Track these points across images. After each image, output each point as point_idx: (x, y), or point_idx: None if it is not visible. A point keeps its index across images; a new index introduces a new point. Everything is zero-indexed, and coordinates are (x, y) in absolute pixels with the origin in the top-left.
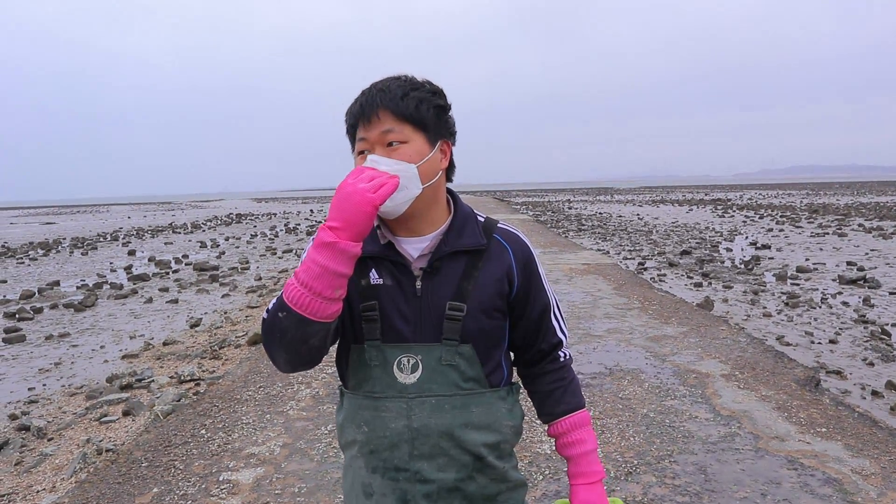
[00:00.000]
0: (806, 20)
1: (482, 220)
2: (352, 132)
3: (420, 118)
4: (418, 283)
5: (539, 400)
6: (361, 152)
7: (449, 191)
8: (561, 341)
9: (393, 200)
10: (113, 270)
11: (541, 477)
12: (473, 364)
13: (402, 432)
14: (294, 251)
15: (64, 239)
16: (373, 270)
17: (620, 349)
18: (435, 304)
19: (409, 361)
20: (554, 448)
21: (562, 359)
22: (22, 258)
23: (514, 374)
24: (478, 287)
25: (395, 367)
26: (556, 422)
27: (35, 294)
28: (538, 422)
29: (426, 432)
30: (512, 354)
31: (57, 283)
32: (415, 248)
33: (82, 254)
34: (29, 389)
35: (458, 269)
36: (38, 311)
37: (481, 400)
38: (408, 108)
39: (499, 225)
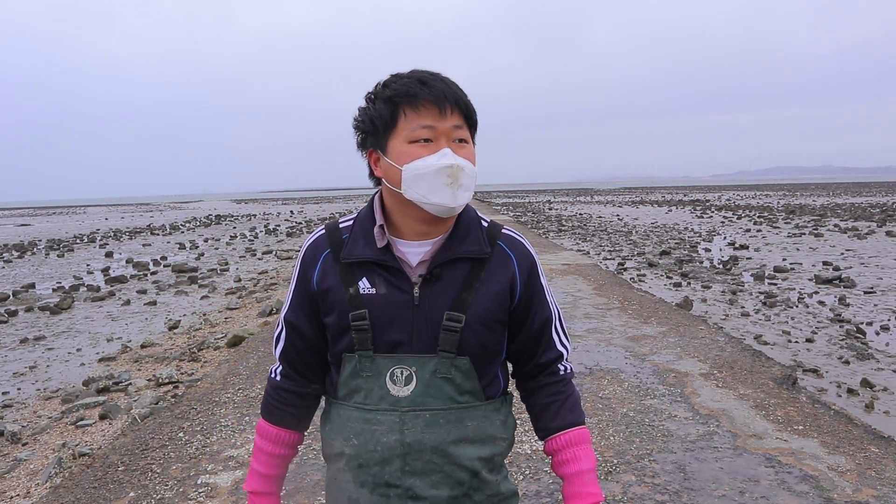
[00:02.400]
0: (783, 23)
1: (486, 224)
2: (397, 116)
3: (476, 123)
4: (416, 291)
5: (535, 414)
6: (426, 140)
7: None
8: (561, 354)
9: (464, 200)
10: (90, 272)
11: (521, 477)
12: (470, 377)
13: (393, 447)
14: (274, 252)
15: (39, 241)
16: (364, 279)
17: (600, 349)
18: (433, 313)
19: (402, 373)
20: (535, 448)
21: (561, 372)
22: None
23: (509, 383)
24: (478, 298)
25: (387, 378)
26: (551, 438)
27: (9, 297)
28: (518, 421)
29: (419, 447)
30: (510, 365)
31: (32, 286)
32: (415, 252)
33: (58, 256)
34: (3, 394)
35: (458, 278)
36: (13, 314)
37: (476, 413)
38: (472, 110)
39: (503, 231)
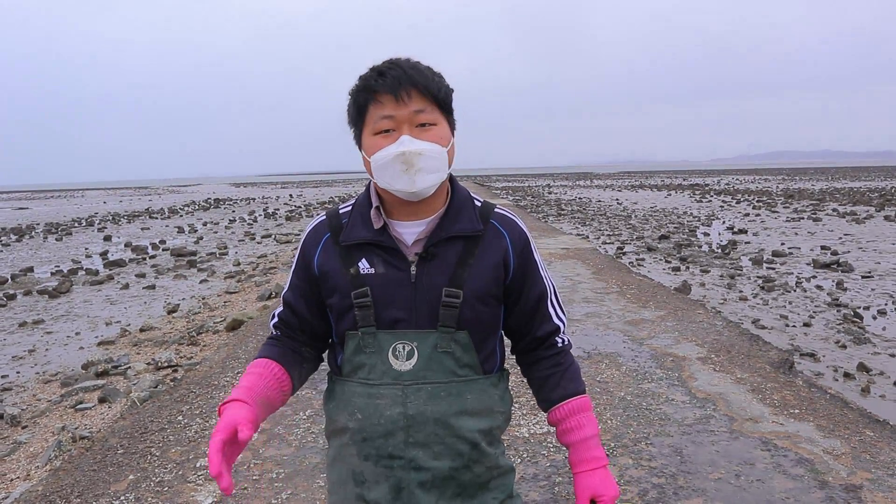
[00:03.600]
0: (783, 8)
1: (479, 204)
2: (364, 110)
3: (447, 102)
4: (413, 270)
5: (536, 386)
6: (386, 131)
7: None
8: (558, 327)
9: (426, 183)
10: (88, 256)
11: (518, 460)
12: (469, 351)
13: (396, 420)
14: (273, 236)
15: (37, 224)
16: (363, 260)
17: (598, 333)
18: (430, 290)
19: (404, 348)
20: (532, 432)
21: (559, 344)
22: None
23: (506, 359)
24: (474, 274)
25: (390, 354)
26: (554, 408)
27: (8, 280)
28: (516, 405)
29: (422, 420)
30: (508, 341)
31: (31, 270)
32: (410, 232)
33: (56, 239)
34: (2, 377)
35: (453, 255)
36: (12, 297)
37: (475, 387)
38: (440, 89)
39: (496, 209)
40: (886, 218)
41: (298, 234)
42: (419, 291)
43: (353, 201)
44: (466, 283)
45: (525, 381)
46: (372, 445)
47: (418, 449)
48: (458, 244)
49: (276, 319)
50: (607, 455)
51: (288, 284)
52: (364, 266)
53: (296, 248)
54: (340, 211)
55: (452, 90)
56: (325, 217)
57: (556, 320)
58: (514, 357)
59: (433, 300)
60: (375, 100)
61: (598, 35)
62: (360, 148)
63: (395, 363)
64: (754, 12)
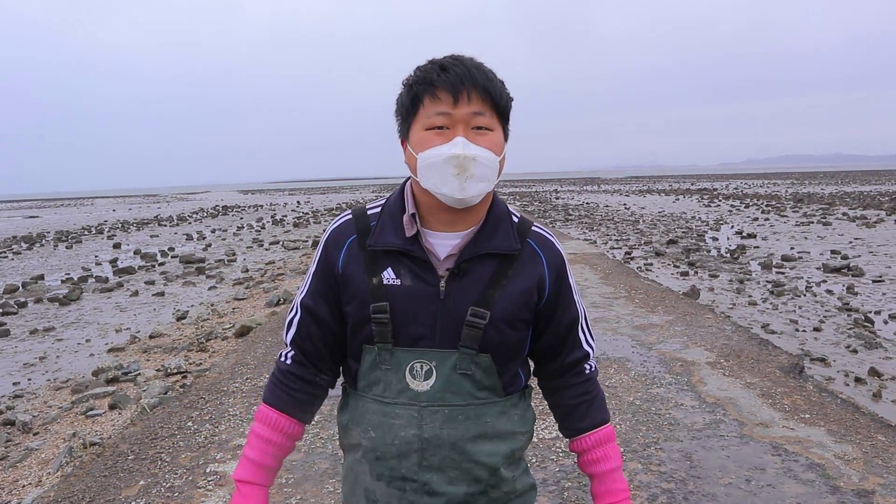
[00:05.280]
0: (793, 10)
1: (517, 220)
2: (418, 103)
3: (506, 109)
4: (442, 285)
5: (562, 414)
6: (440, 128)
7: None
8: (588, 354)
9: (475, 191)
10: (98, 264)
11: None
12: (490, 374)
13: (411, 441)
14: (281, 243)
15: (48, 232)
16: (388, 269)
17: (607, 338)
18: (457, 308)
19: (422, 368)
20: (541, 437)
21: (587, 371)
22: (5, 252)
23: (530, 378)
24: (505, 296)
25: (407, 372)
26: (580, 437)
27: (19, 288)
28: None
29: (437, 443)
30: (531, 362)
31: (41, 277)
32: (444, 244)
33: (67, 247)
34: (14, 384)
35: (486, 274)
36: (23, 305)
37: (495, 409)
38: (502, 95)
39: (533, 228)
40: None
41: (306, 241)
42: (446, 309)
43: (381, 202)
44: (497, 305)
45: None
46: (385, 465)
47: (433, 473)
48: (492, 262)
49: (290, 350)
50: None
51: (306, 289)
52: (389, 276)
53: (317, 249)
54: (368, 212)
55: (513, 98)
56: (350, 216)
57: (585, 346)
58: (537, 379)
59: (458, 319)
60: (434, 94)
61: (606, 36)
62: (404, 143)
63: (412, 383)
64: (763, 12)
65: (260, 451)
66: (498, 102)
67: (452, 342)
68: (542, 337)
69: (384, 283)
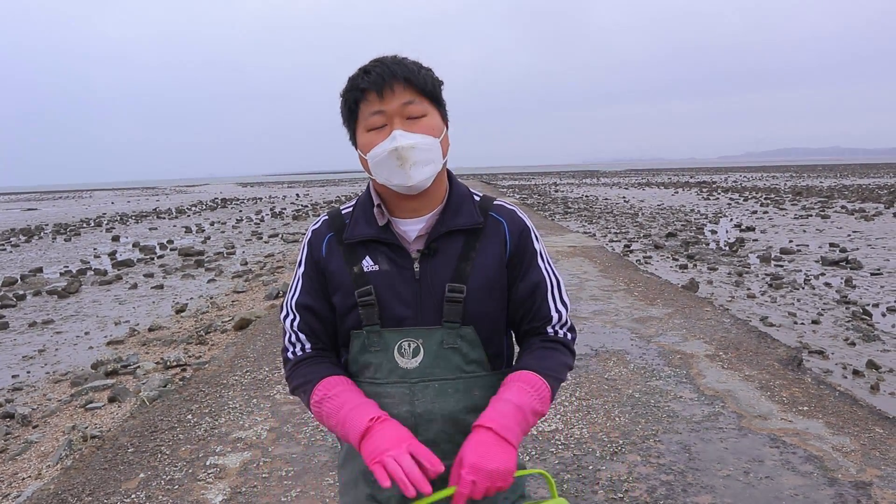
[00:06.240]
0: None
1: (478, 198)
2: (355, 109)
3: (436, 92)
4: (416, 266)
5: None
6: (379, 127)
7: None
8: (552, 318)
9: (421, 175)
10: (97, 256)
11: (526, 458)
12: (476, 347)
13: (405, 418)
14: (280, 235)
15: (46, 225)
16: (366, 258)
17: (606, 331)
18: (434, 286)
19: (409, 346)
20: (541, 430)
21: (550, 332)
22: (3, 245)
23: (514, 358)
24: (477, 267)
25: (395, 351)
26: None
27: (17, 281)
28: None
29: (430, 417)
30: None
31: (40, 270)
32: (412, 229)
33: (65, 240)
34: (13, 377)
35: (455, 250)
36: (21, 297)
37: (484, 382)
38: (426, 81)
39: (495, 202)
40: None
41: (303, 236)
42: (423, 288)
43: (353, 202)
44: (470, 278)
45: None
46: None
47: (427, 447)
48: (459, 238)
49: (293, 335)
50: (614, 452)
51: (299, 291)
52: (368, 263)
53: (301, 250)
54: (343, 211)
55: (442, 81)
56: (326, 217)
57: (552, 311)
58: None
59: (437, 296)
60: (364, 97)
61: (603, 27)
62: (356, 147)
63: (401, 361)
64: (762, 2)
65: (357, 393)
66: (424, 88)
67: (436, 319)
68: (510, 299)
69: (365, 270)
